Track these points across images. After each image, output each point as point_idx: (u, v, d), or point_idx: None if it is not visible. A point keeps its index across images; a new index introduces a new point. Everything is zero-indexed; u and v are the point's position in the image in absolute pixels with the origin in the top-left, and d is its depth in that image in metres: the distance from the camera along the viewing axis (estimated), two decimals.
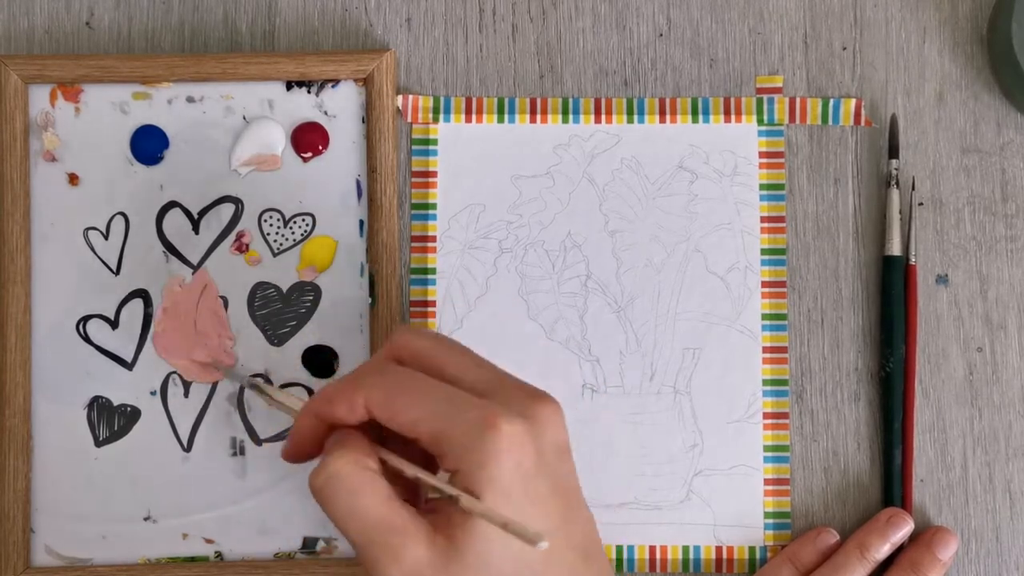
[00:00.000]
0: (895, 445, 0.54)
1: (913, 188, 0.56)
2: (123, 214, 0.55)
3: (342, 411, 0.44)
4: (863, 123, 0.56)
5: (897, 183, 0.55)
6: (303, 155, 0.56)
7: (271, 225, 0.55)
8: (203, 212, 0.55)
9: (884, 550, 0.53)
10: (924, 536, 0.54)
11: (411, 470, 0.44)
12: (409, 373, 0.45)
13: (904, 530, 0.54)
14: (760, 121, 0.56)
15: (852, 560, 0.53)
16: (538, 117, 0.56)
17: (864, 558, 0.53)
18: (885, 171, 0.56)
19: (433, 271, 0.56)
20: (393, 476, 0.45)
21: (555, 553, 0.43)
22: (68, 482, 0.54)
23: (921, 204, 0.56)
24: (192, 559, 0.55)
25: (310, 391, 0.55)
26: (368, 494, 0.43)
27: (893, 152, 0.56)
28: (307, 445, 0.46)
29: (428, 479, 0.43)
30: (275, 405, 0.50)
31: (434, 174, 0.56)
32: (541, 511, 0.43)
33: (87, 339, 0.55)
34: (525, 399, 0.44)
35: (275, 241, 0.55)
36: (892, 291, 0.55)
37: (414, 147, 0.56)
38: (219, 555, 0.55)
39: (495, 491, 0.42)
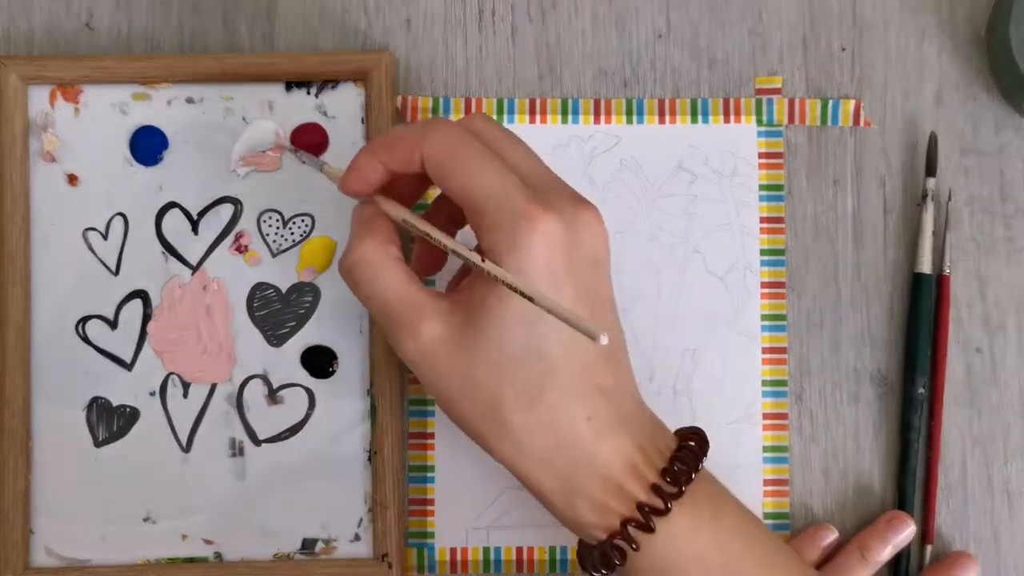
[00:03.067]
0: (915, 462, 0.55)
1: (949, 199, 0.56)
2: (122, 215, 0.55)
3: (399, 158, 0.46)
4: (862, 124, 0.56)
5: (934, 200, 0.55)
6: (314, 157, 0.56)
7: (270, 226, 0.55)
8: (202, 212, 0.55)
9: (885, 552, 0.53)
10: (944, 562, 0.54)
11: (447, 241, 0.45)
12: (473, 140, 0.45)
13: (905, 532, 0.54)
14: (759, 122, 0.56)
15: (853, 561, 0.53)
16: (537, 118, 0.56)
17: (865, 560, 0.53)
18: (921, 189, 0.56)
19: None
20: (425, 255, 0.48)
21: (571, 348, 0.44)
22: (67, 483, 0.54)
23: (919, 205, 0.56)
24: (191, 560, 0.55)
25: (309, 392, 0.55)
26: (389, 275, 0.45)
27: (930, 170, 0.55)
28: (360, 182, 0.47)
29: (465, 252, 0.44)
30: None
31: None
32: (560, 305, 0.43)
33: (86, 340, 0.55)
34: (570, 202, 0.45)
35: (274, 241, 0.55)
36: (921, 309, 0.55)
37: None
38: (218, 556, 0.55)
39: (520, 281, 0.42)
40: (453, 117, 0.56)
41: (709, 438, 0.47)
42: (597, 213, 0.46)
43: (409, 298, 0.45)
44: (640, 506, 0.44)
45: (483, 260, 0.43)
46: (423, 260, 0.52)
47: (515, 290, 0.42)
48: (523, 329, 0.43)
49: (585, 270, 0.45)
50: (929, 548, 0.54)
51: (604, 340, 0.38)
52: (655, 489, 0.44)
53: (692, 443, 0.46)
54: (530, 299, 0.41)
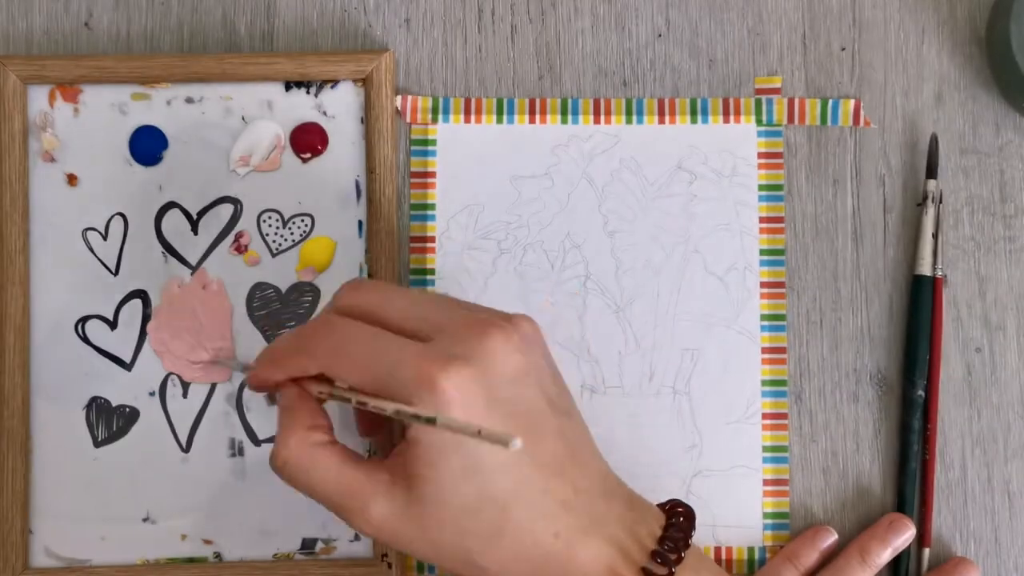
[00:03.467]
0: (915, 464, 0.55)
1: (940, 201, 0.56)
2: (122, 215, 0.55)
3: (295, 369, 0.46)
4: (862, 124, 0.56)
5: (934, 202, 0.55)
6: (302, 156, 0.56)
7: (270, 226, 0.55)
8: (202, 212, 0.55)
9: (885, 555, 0.53)
10: (946, 567, 0.54)
11: (372, 402, 0.44)
12: (351, 329, 0.45)
13: (905, 535, 0.53)
14: (759, 122, 0.56)
15: (853, 563, 0.53)
16: (537, 118, 0.56)
17: (865, 562, 0.53)
18: (921, 189, 0.55)
19: (432, 272, 0.56)
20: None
21: (519, 478, 0.43)
22: (67, 483, 0.54)
23: (919, 205, 0.56)
24: (191, 560, 0.54)
25: None
26: (321, 469, 0.45)
27: (931, 172, 0.55)
28: (266, 386, 0.48)
29: (382, 404, 0.43)
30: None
31: (433, 175, 0.56)
32: (495, 448, 0.42)
33: (86, 340, 0.55)
34: (469, 336, 0.44)
35: (274, 242, 0.55)
36: (921, 312, 0.55)
37: (413, 148, 0.56)
38: (218, 556, 0.55)
39: (444, 442, 0.42)
40: (453, 117, 0.56)
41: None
42: (501, 329, 0.44)
43: (347, 485, 0.44)
44: None
45: (394, 409, 0.43)
46: (364, 423, 0.52)
47: (418, 418, 0.41)
48: (464, 484, 0.43)
49: (508, 393, 0.44)
50: (927, 551, 0.54)
51: (517, 444, 0.38)
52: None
53: (680, 519, 0.46)
54: (431, 422, 0.41)
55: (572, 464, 0.45)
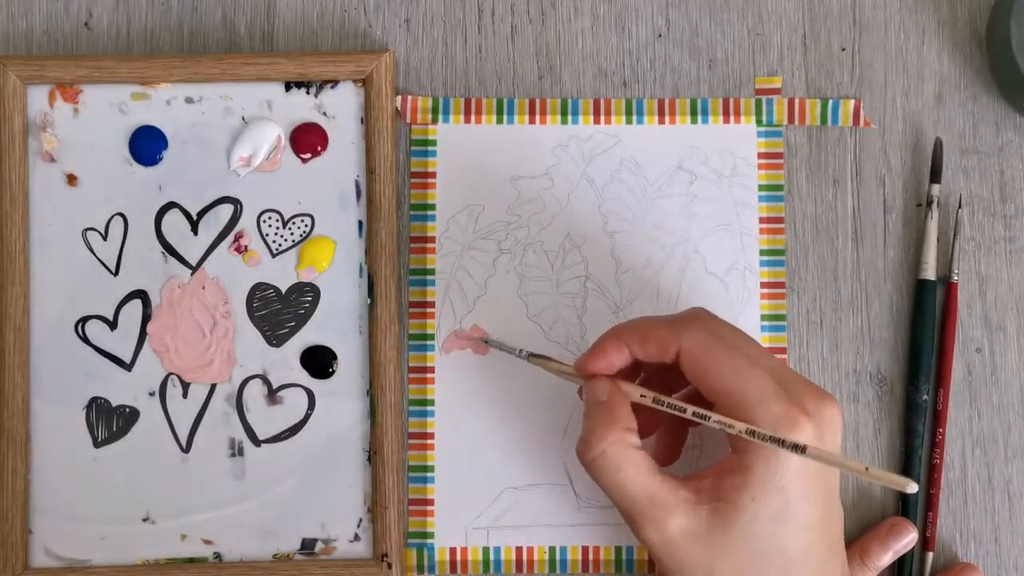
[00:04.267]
0: (918, 469, 0.55)
1: (960, 206, 0.56)
2: (122, 215, 0.55)
3: (653, 350, 0.47)
4: (862, 124, 0.56)
5: (940, 206, 0.55)
6: (302, 156, 0.56)
7: (270, 226, 0.55)
8: (202, 213, 0.55)
9: (886, 558, 0.53)
10: (951, 572, 0.54)
11: (716, 417, 0.45)
12: (728, 336, 0.46)
13: (906, 539, 0.54)
14: (759, 122, 0.56)
15: (853, 567, 0.53)
16: (537, 118, 0.56)
17: (866, 565, 0.53)
18: (925, 195, 0.55)
19: (432, 272, 0.56)
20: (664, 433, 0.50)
21: (813, 544, 0.45)
22: (67, 483, 0.54)
23: (919, 205, 0.56)
24: (191, 560, 0.54)
25: (309, 392, 0.55)
26: (632, 470, 0.46)
27: (935, 176, 0.55)
28: (604, 365, 0.48)
29: (729, 422, 0.45)
30: (558, 374, 0.52)
31: (433, 175, 0.56)
32: (809, 508, 0.45)
33: (86, 340, 0.55)
34: (816, 401, 0.45)
35: (274, 242, 0.55)
36: (925, 316, 0.55)
37: (413, 148, 0.56)
38: (218, 556, 0.55)
39: (775, 484, 0.44)
40: (453, 117, 0.56)
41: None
42: (837, 406, 0.46)
43: (654, 492, 0.46)
44: None
45: (751, 432, 0.44)
46: (661, 451, 0.53)
47: (782, 443, 0.43)
48: (772, 528, 0.44)
49: (830, 470, 0.46)
50: (930, 556, 0.54)
51: (913, 488, 0.40)
52: None
53: None
54: (800, 450, 0.43)
55: (837, 547, 0.47)
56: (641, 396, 0.47)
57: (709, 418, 0.45)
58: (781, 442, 0.43)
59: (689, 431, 0.53)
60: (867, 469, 0.41)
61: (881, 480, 0.41)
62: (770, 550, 0.45)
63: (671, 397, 0.47)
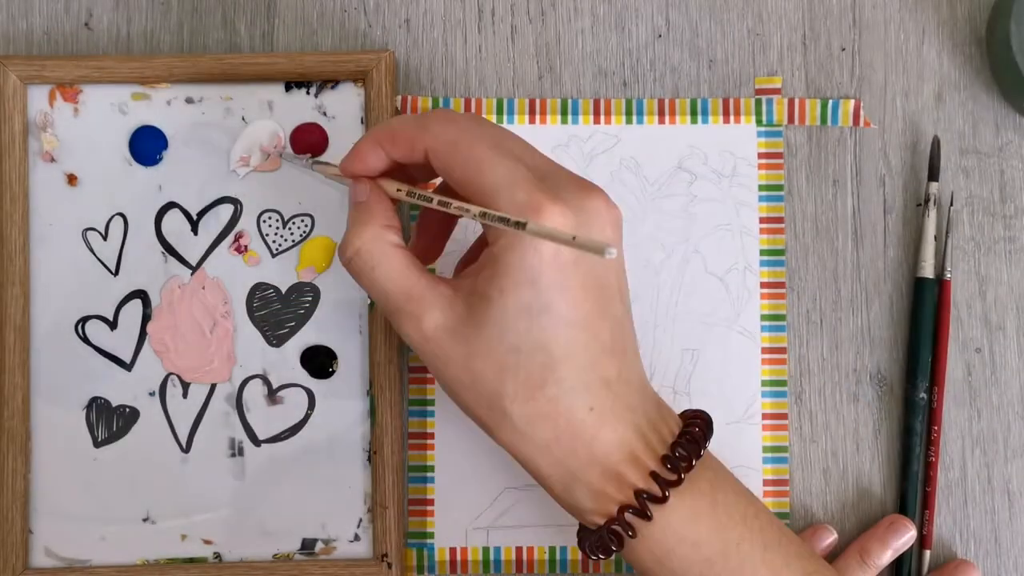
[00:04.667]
0: (916, 467, 0.55)
1: (951, 203, 0.56)
2: (122, 215, 0.55)
3: (402, 149, 0.46)
4: (862, 124, 0.56)
5: (937, 204, 0.55)
6: (302, 156, 0.56)
7: (270, 226, 0.55)
8: (202, 213, 0.55)
9: (885, 556, 0.53)
10: (946, 569, 0.54)
11: (457, 203, 0.44)
12: (477, 128, 0.45)
13: (905, 537, 0.53)
14: (759, 122, 0.56)
15: (852, 565, 0.53)
16: (537, 118, 0.56)
17: (865, 563, 0.53)
18: (923, 193, 0.55)
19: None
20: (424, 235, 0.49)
21: (576, 341, 0.44)
22: (67, 483, 0.54)
23: (919, 205, 0.56)
24: (191, 560, 0.54)
25: (309, 392, 0.55)
26: (387, 266, 0.45)
27: (933, 175, 0.55)
28: (362, 167, 0.47)
29: (467, 206, 0.44)
30: (335, 179, 0.52)
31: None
32: (567, 302, 0.43)
33: (86, 340, 0.55)
34: (576, 190, 0.44)
35: (274, 242, 0.55)
36: (923, 314, 0.55)
37: None
38: (218, 556, 0.55)
39: (524, 274, 0.43)
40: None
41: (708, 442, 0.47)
42: (604, 197, 0.45)
43: (410, 288, 0.45)
44: (638, 493, 0.44)
45: (483, 215, 0.43)
46: (420, 248, 0.52)
47: (506, 221, 0.41)
48: (525, 322, 0.43)
49: (592, 258, 0.44)
50: (927, 554, 0.54)
51: (612, 252, 0.37)
52: (654, 476, 0.44)
53: (695, 428, 0.46)
54: (520, 226, 0.41)
55: (621, 352, 0.45)
56: (397, 190, 0.47)
57: (451, 205, 0.44)
58: (506, 221, 0.41)
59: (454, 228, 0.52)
60: (574, 238, 0.39)
61: (584, 246, 0.38)
62: (527, 344, 0.43)
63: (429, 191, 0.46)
